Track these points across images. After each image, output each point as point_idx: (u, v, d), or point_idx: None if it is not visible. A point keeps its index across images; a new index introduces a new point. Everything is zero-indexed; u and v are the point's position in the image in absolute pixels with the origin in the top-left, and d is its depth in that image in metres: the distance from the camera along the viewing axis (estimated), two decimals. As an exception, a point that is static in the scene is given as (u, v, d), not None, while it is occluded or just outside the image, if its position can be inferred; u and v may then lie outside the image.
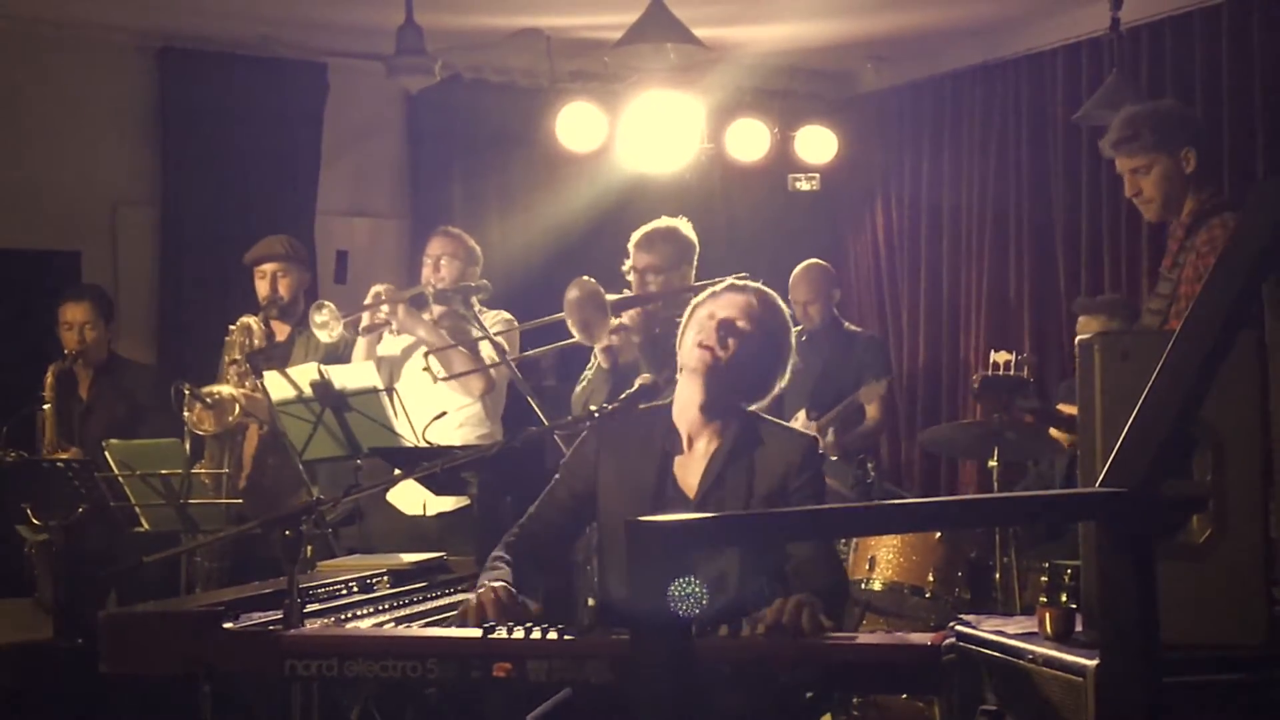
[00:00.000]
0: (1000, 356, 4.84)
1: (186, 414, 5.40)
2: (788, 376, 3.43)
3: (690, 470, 3.34)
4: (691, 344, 3.33)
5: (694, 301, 3.43)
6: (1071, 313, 6.19)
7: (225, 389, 5.49)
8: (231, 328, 5.69)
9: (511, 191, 7.67)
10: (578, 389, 4.87)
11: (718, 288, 3.42)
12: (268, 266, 5.77)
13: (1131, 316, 5.55)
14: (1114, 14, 6.15)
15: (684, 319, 3.42)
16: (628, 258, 4.99)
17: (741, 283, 3.44)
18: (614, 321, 4.66)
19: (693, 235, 5.07)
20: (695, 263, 5.05)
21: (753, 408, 3.39)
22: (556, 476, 3.47)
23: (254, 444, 5.68)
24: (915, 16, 7.09)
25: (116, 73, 7.01)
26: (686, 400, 3.37)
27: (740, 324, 3.31)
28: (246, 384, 5.52)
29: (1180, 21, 6.52)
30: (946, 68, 7.80)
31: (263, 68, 7.15)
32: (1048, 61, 7.23)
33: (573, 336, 4.71)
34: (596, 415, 3.24)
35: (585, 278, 4.66)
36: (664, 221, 5.06)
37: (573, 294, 4.63)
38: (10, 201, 6.70)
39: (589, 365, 4.85)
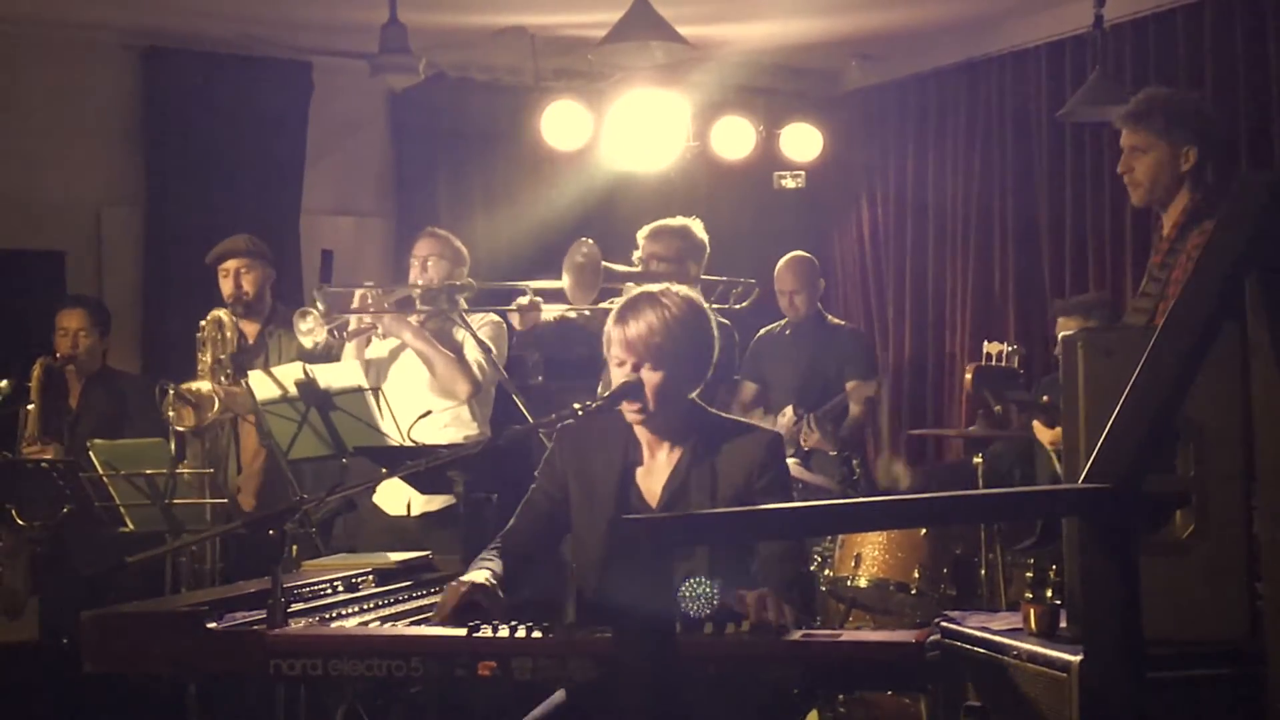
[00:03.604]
0: (993, 347, 4.85)
1: (170, 413, 5.39)
2: (718, 347, 3.35)
3: (653, 479, 3.35)
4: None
5: (605, 335, 3.31)
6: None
7: (204, 384, 5.48)
8: (203, 323, 5.67)
9: (496, 190, 7.65)
10: None
11: (609, 328, 3.27)
12: (230, 264, 5.77)
13: (1109, 314, 5.56)
14: (1097, 11, 6.15)
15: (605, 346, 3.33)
16: (636, 249, 5.15)
17: (626, 313, 3.25)
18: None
19: (703, 236, 5.22)
20: (704, 264, 5.13)
21: (700, 391, 3.35)
22: (533, 485, 3.48)
23: (252, 440, 5.66)
24: (899, 14, 7.10)
25: (101, 73, 7.00)
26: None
27: (645, 357, 3.21)
28: (223, 379, 5.51)
29: (1163, 18, 6.54)
30: (931, 65, 7.81)
31: (247, 67, 7.14)
32: (1031, 59, 7.25)
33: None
34: (579, 411, 3.22)
35: (589, 241, 4.93)
36: (677, 219, 5.23)
37: (578, 259, 4.92)
38: (-6, 202, 6.69)
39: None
